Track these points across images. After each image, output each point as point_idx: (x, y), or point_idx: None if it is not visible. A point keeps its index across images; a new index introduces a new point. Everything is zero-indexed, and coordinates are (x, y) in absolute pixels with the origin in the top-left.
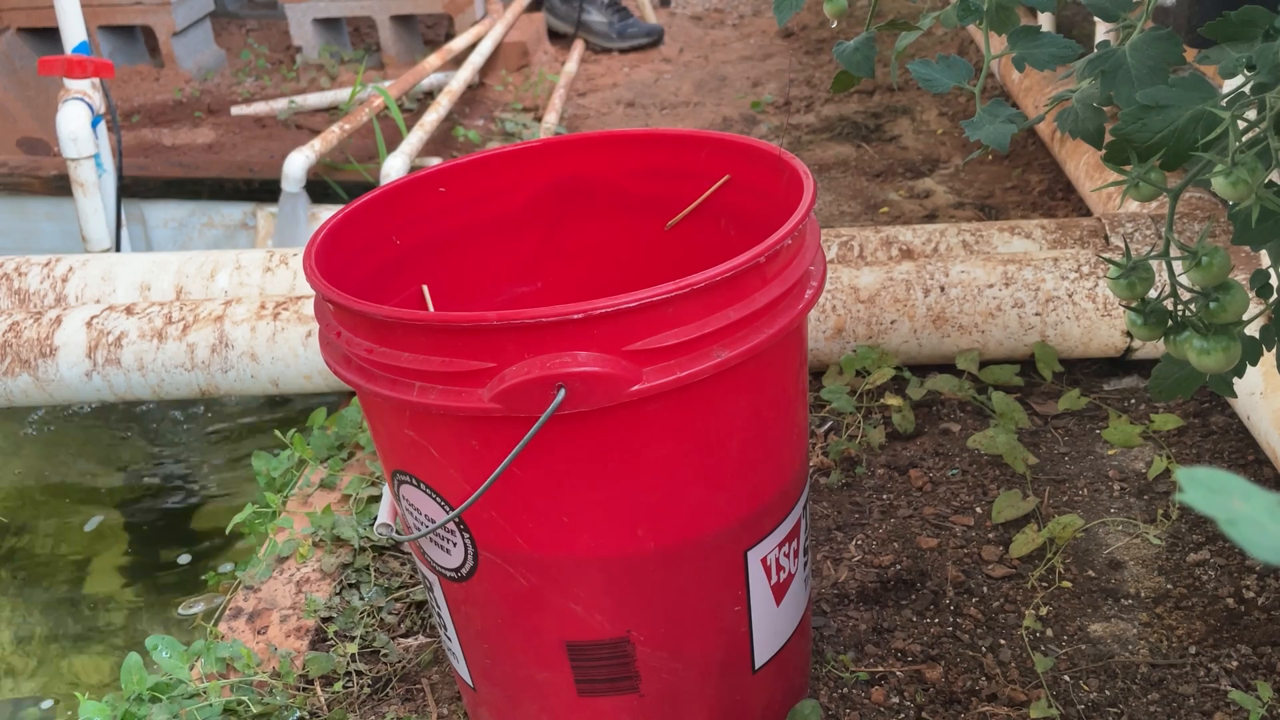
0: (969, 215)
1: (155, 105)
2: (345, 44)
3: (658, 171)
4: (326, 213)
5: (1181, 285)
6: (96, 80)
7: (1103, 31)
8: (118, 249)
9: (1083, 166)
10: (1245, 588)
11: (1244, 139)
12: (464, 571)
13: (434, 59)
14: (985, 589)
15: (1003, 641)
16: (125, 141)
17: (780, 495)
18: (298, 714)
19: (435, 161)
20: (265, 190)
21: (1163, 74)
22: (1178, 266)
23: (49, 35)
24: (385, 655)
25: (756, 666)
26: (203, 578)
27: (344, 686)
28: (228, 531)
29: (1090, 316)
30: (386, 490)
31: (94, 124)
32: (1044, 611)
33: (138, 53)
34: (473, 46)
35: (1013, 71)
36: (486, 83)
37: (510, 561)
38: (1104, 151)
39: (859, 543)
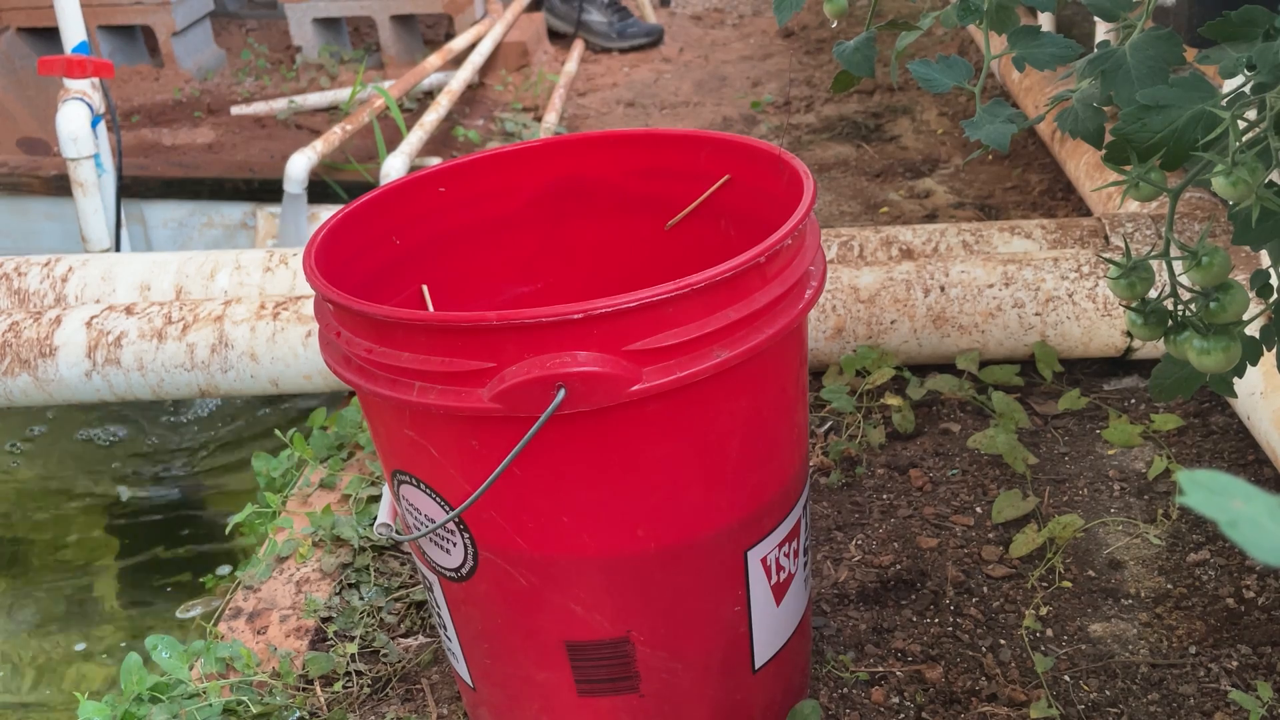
0: (969, 215)
1: (155, 105)
2: (345, 44)
3: (658, 171)
4: (326, 213)
5: (1181, 285)
6: (96, 80)
7: (1103, 31)
8: (117, 249)
9: (1083, 166)
10: (1245, 588)
11: (1244, 139)
12: (464, 571)
13: (434, 59)
14: (985, 589)
15: (1003, 641)
16: (125, 141)
17: (780, 495)
18: (297, 714)
19: (435, 161)
20: (265, 190)
21: (1163, 74)
22: (1178, 266)
23: (49, 35)
24: (385, 655)
25: (756, 666)
26: (202, 579)
27: (344, 686)
28: (227, 532)
29: (1090, 316)
30: (386, 490)
31: (94, 124)
32: (1044, 611)
33: (138, 53)
34: (473, 46)
35: (1013, 71)
36: (486, 83)
37: (510, 561)
38: (1104, 151)
39: (859, 543)
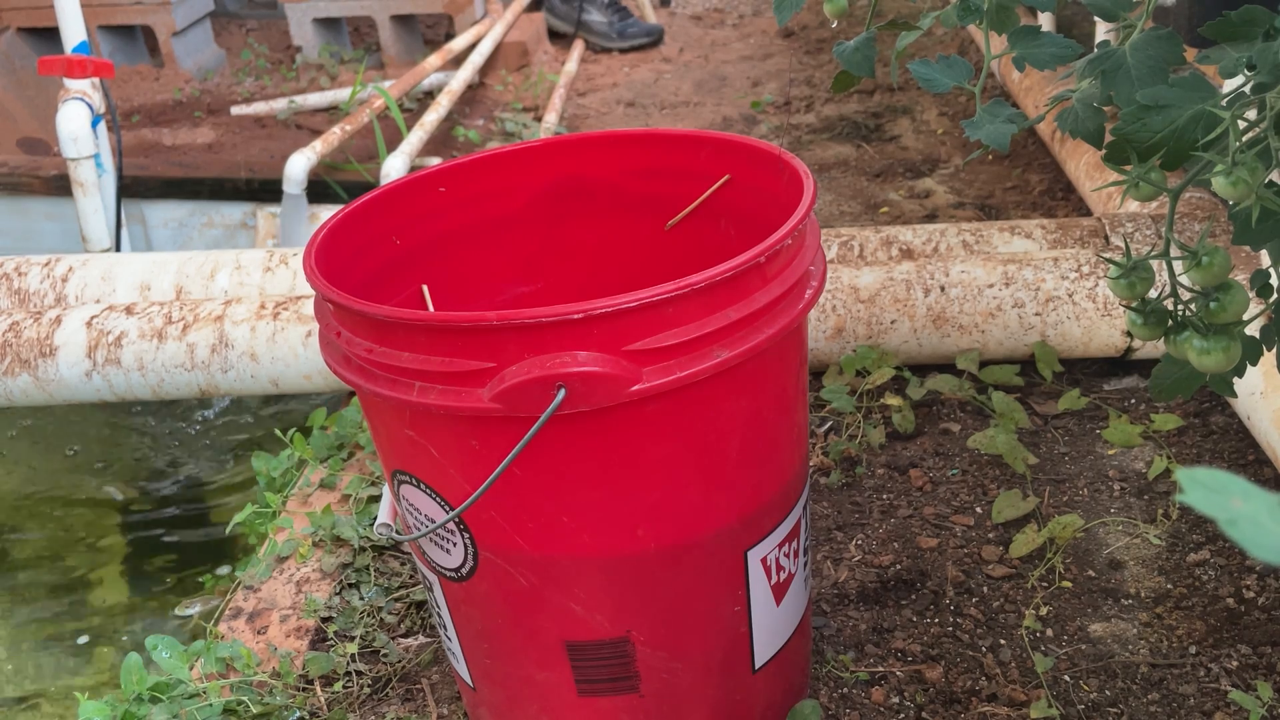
0: (969, 215)
1: (155, 105)
2: (345, 44)
3: (658, 171)
4: (326, 213)
5: (1181, 285)
6: (96, 80)
7: (1103, 31)
8: (118, 249)
9: (1083, 166)
10: (1245, 588)
11: (1244, 139)
12: (464, 571)
13: (434, 59)
14: (985, 589)
15: (1003, 641)
16: (125, 141)
17: (780, 495)
18: (298, 714)
19: (435, 161)
20: (265, 190)
21: (1163, 74)
22: (1178, 266)
23: (49, 35)
24: (385, 655)
25: (756, 666)
26: (202, 579)
27: (344, 686)
28: (228, 532)
29: (1090, 316)
30: (386, 490)
31: (94, 124)
32: (1044, 611)
33: (138, 53)
34: (473, 46)
35: (1013, 71)
36: (486, 83)
37: (510, 561)
38: (1104, 151)
39: (859, 543)
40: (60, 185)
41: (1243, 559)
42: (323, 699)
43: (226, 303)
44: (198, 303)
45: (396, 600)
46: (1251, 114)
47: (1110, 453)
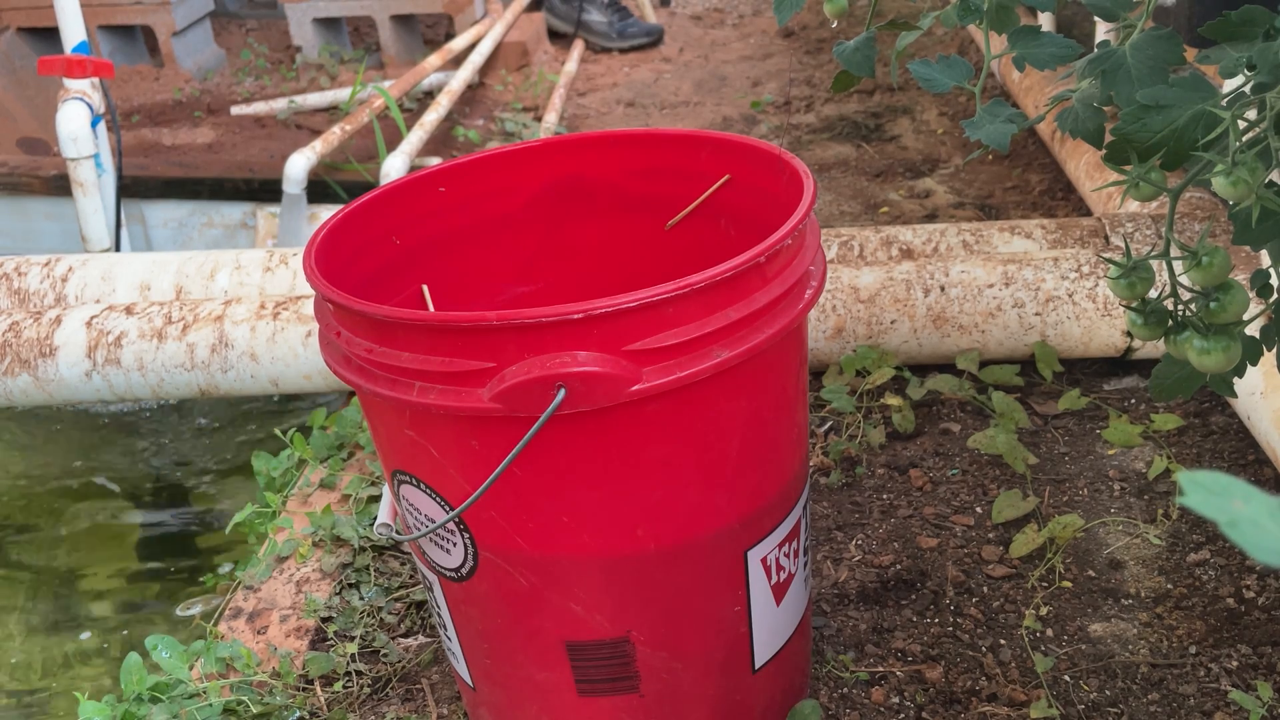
0: (969, 215)
1: (155, 105)
2: (345, 44)
3: (658, 171)
4: (326, 213)
5: (1181, 285)
6: (96, 80)
7: (1103, 31)
8: (117, 249)
9: (1083, 166)
10: (1245, 588)
11: (1244, 139)
12: (464, 571)
13: (434, 59)
14: (985, 589)
15: (1003, 641)
16: (125, 141)
17: (780, 495)
18: (297, 714)
19: (435, 161)
20: (265, 190)
21: (1163, 74)
22: (1178, 266)
23: (49, 35)
24: (385, 655)
25: (756, 666)
26: (202, 579)
27: (344, 686)
28: (228, 531)
29: (1090, 316)
30: (386, 490)
31: (94, 124)
32: (1044, 611)
33: (138, 53)
34: (473, 46)
35: (1013, 71)
36: (486, 82)
37: (510, 561)
38: (1104, 151)
39: (859, 543)
40: (60, 185)
41: (1243, 559)
42: (323, 699)
43: (226, 303)
44: (198, 303)
45: (396, 600)
46: (1251, 114)
47: (1110, 453)
